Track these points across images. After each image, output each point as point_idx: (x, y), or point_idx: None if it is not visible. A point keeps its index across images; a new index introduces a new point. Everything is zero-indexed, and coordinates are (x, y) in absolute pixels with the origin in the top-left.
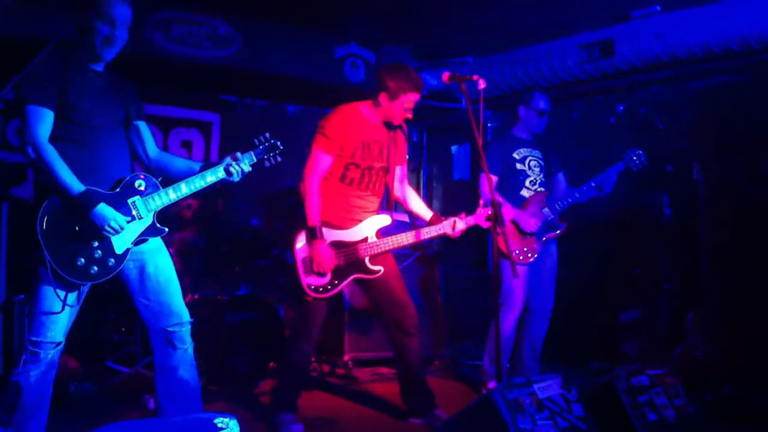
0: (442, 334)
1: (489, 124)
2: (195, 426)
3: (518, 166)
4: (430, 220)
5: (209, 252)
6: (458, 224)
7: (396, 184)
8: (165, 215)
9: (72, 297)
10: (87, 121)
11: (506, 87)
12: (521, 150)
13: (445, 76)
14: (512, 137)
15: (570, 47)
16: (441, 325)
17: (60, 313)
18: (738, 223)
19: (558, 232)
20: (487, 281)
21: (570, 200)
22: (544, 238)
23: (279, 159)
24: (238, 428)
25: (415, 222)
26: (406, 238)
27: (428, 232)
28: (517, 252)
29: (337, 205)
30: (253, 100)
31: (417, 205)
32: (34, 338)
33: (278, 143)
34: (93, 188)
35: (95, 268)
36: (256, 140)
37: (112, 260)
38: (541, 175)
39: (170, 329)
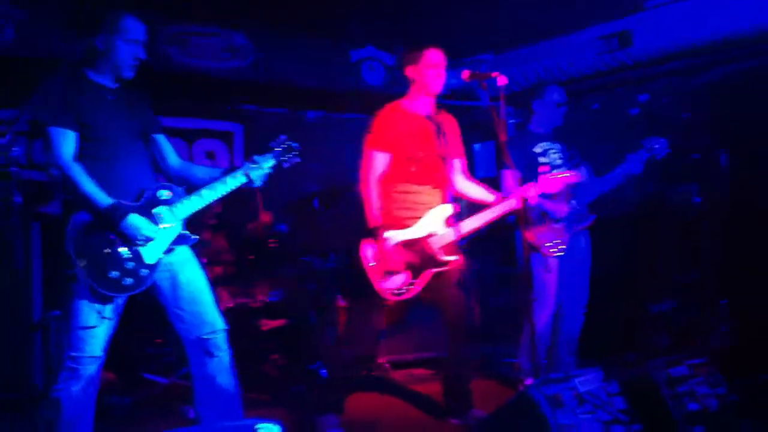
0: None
1: (510, 121)
2: None
3: (541, 159)
4: (495, 202)
5: (239, 260)
6: (530, 191)
7: (456, 178)
8: (194, 224)
9: (108, 310)
10: (104, 137)
11: (526, 83)
12: (542, 144)
13: (465, 74)
14: (531, 133)
15: (588, 39)
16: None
17: (97, 328)
18: (766, 210)
19: (587, 223)
20: (518, 278)
21: (597, 191)
22: (574, 229)
23: (298, 159)
24: None
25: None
26: (476, 221)
27: (493, 212)
28: (548, 245)
29: (401, 206)
30: (273, 108)
31: (479, 192)
32: (73, 354)
33: (295, 144)
34: (120, 201)
35: (129, 279)
36: (272, 143)
37: (145, 270)
38: (565, 168)
39: (205, 337)
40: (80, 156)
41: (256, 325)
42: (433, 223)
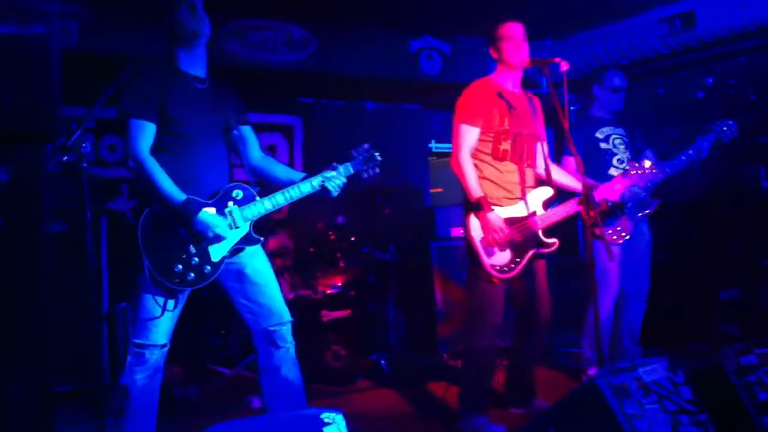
0: None
1: (571, 107)
2: (302, 421)
3: (602, 145)
4: (582, 187)
5: (301, 252)
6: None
7: (540, 162)
8: (260, 221)
9: (171, 302)
10: (186, 131)
11: (586, 68)
12: (603, 129)
13: (526, 60)
14: (591, 118)
15: (650, 22)
16: None
17: (160, 318)
18: None
19: (650, 210)
20: (579, 266)
21: (662, 176)
22: (638, 215)
23: (377, 171)
24: (344, 423)
25: None
26: (575, 206)
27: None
28: (611, 232)
29: (497, 185)
30: (331, 100)
31: (565, 177)
32: (137, 341)
33: (377, 154)
34: (194, 197)
35: (192, 274)
36: (354, 151)
37: (209, 267)
38: (627, 153)
39: (271, 329)
40: (159, 148)
41: (317, 316)
42: (535, 203)
